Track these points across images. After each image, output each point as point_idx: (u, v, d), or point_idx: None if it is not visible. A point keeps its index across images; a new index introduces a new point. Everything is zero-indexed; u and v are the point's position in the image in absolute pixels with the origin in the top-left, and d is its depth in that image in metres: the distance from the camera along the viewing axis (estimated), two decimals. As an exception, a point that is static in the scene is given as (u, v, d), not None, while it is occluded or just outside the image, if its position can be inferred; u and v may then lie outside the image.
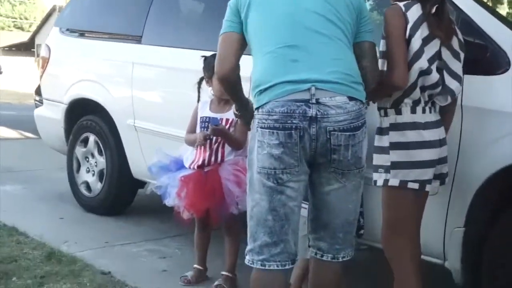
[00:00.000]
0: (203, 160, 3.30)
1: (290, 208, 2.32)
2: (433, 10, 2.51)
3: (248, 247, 2.40)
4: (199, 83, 3.47)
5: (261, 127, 2.28)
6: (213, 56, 3.24)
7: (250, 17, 2.44)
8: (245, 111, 2.70)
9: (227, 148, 3.29)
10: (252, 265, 2.38)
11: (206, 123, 3.34)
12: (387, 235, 2.59)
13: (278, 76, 2.29)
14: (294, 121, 2.23)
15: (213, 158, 3.30)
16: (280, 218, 2.31)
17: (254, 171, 2.33)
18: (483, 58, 2.64)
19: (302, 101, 2.23)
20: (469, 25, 2.68)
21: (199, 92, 3.49)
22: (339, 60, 2.35)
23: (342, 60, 2.36)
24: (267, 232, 2.32)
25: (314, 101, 2.23)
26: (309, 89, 2.24)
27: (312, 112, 2.23)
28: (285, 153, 2.25)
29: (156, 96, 4.29)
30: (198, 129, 3.38)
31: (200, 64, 3.39)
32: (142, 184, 4.59)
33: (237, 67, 2.50)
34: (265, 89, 2.30)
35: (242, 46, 2.51)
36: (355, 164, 2.34)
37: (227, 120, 3.30)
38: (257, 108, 2.32)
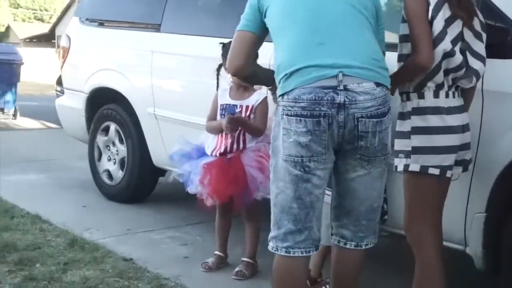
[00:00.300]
0: (225, 147, 3.31)
1: (316, 196, 2.31)
2: None
3: (272, 234, 2.40)
4: (218, 70, 3.47)
5: (287, 115, 2.26)
6: (230, 43, 3.26)
7: (272, 6, 2.44)
8: (275, 85, 2.58)
9: (249, 135, 3.29)
10: (276, 252, 2.38)
11: (226, 110, 3.34)
12: (409, 221, 2.58)
13: (304, 60, 2.28)
14: (323, 108, 2.21)
15: (235, 145, 3.30)
16: (305, 206, 2.30)
17: (280, 159, 2.32)
18: (503, 42, 2.60)
19: (329, 88, 2.21)
20: (489, 8, 2.64)
21: (218, 79, 3.49)
22: (365, 45, 2.34)
23: (368, 45, 2.35)
24: (292, 219, 2.32)
25: (342, 87, 2.22)
26: (336, 76, 2.23)
27: (340, 98, 2.21)
28: (313, 141, 2.23)
29: (176, 84, 4.30)
30: (218, 117, 3.39)
31: (219, 51, 3.39)
32: (163, 172, 4.61)
33: (247, 64, 2.53)
34: (291, 74, 2.28)
35: (256, 45, 2.54)
36: (381, 151, 2.33)
37: (247, 107, 3.30)
38: (282, 95, 2.30)
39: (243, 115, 3.29)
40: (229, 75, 3.37)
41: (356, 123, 2.24)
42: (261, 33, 2.51)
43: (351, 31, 2.35)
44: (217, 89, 3.48)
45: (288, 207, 2.32)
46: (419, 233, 2.54)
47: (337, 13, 2.36)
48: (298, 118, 2.23)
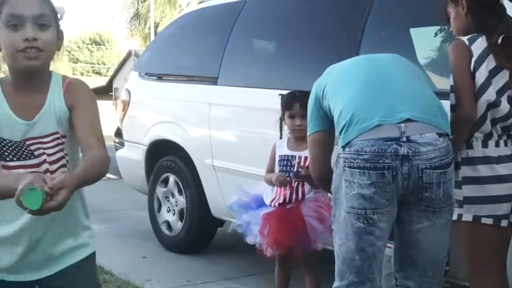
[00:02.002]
0: (284, 198, 3.32)
1: (378, 247, 2.30)
2: (499, 41, 2.47)
3: (335, 285, 2.39)
4: (281, 120, 3.52)
5: (350, 167, 2.27)
6: (289, 94, 3.34)
7: (331, 79, 2.52)
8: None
9: (307, 186, 3.30)
10: None
11: (285, 162, 3.37)
12: (471, 272, 2.53)
13: (364, 107, 2.31)
14: (386, 161, 2.22)
15: (294, 196, 3.31)
16: (368, 258, 2.30)
17: (342, 210, 2.32)
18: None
19: (392, 140, 2.23)
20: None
21: (281, 129, 3.54)
22: (424, 96, 2.37)
23: (427, 96, 2.37)
24: (354, 271, 2.31)
25: (404, 139, 2.23)
26: (398, 126, 2.24)
27: (403, 150, 2.22)
28: (377, 193, 2.24)
29: (233, 135, 4.37)
30: (276, 168, 3.41)
31: (276, 102, 3.44)
32: (221, 222, 4.64)
33: (328, 169, 2.62)
34: (350, 122, 2.31)
35: (329, 142, 2.64)
36: (446, 202, 2.31)
37: (305, 157, 3.32)
38: (343, 147, 2.33)
39: (301, 165, 3.31)
40: (286, 129, 3.42)
41: (420, 175, 2.24)
42: (330, 127, 2.57)
43: (409, 83, 2.39)
44: (280, 138, 3.52)
45: (350, 259, 2.31)
46: (483, 284, 2.48)
47: (395, 70, 2.43)
48: (362, 170, 2.24)
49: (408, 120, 2.26)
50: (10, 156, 1.79)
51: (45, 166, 1.79)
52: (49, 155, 1.79)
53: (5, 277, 1.87)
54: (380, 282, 2.37)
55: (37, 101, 1.78)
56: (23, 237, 1.83)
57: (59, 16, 1.81)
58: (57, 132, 1.80)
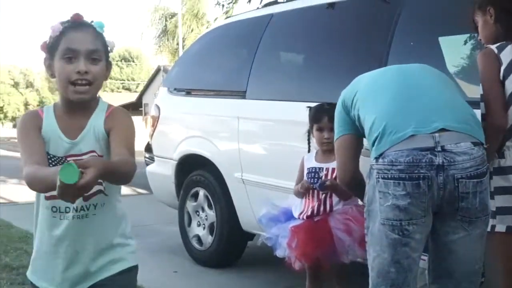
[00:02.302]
0: (312, 210, 3.31)
1: (413, 259, 2.28)
2: None
3: None
4: (309, 132, 3.52)
5: (384, 178, 2.25)
6: (317, 106, 3.33)
7: (361, 88, 2.50)
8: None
9: (335, 198, 3.28)
10: None
11: (313, 174, 3.36)
12: (505, 284, 2.48)
13: (397, 117, 2.30)
14: (422, 171, 2.19)
15: (321, 208, 3.29)
16: (404, 270, 2.27)
17: (377, 222, 2.30)
18: None
19: (427, 149, 2.21)
20: None
21: (309, 142, 3.53)
22: (456, 105, 2.34)
23: (460, 105, 2.35)
24: (389, 284, 2.29)
25: (439, 148, 2.20)
26: (433, 136, 2.22)
27: (439, 160, 2.20)
28: (412, 204, 2.21)
29: (262, 149, 4.36)
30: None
31: (304, 115, 3.44)
32: (251, 236, 4.64)
33: (356, 172, 2.62)
34: (383, 133, 2.29)
35: (358, 146, 2.62)
36: (482, 211, 2.28)
37: (333, 169, 3.30)
38: (376, 158, 2.31)
39: (329, 177, 3.30)
40: (314, 141, 3.41)
41: (456, 184, 2.21)
42: (358, 131, 2.57)
43: (442, 93, 2.37)
44: (308, 151, 3.51)
45: (385, 271, 2.29)
46: None
47: (426, 79, 2.41)
48: (396, 181, 2.22)
49: (442, 130, 2.24)
50: None
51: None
52: None
53: (44, 285, 1.99)
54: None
55: (81, 123, 1.95)
56: (62, 249, 1.95)
57: (109, 49, 1.97)
58: (94, 151, 1.93)
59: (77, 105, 1.94)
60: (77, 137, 1.94)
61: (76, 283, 1.98)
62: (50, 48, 1.93)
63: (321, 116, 3.29)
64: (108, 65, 1.99)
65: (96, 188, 1.89)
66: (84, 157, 1.90)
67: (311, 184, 3.30)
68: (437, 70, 2.59)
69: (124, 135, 1.93)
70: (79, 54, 1.87)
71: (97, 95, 2.04)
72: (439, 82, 2.47)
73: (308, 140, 3.52)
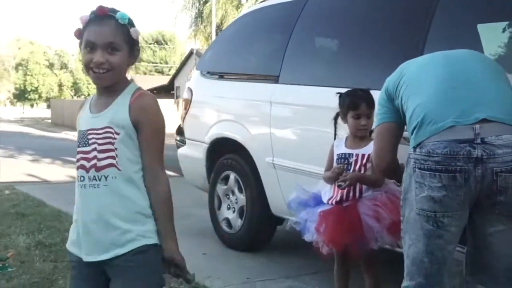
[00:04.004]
0: (341, 196, 3.29)
1: (448, 252, 2.25)
2: None
3: (404, 284, 2.37)
4: (335, 119, 3.49)
5: (420, 168, 2.23)
6: (346, 94, 3.30)
7: (407, 74, 2.47)
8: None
9: (365, 184, 3.26)
10: None
11: (342, 160, 3.34)
12: None
13: (438, 106, 2.26)
14: (458, 163, 2.16)
15: (351, 194, 3.27)
16: (437, 261, 2.25)
17: (412, 211, 2.28)
18: None
19: (466, 142, 2.16)
20: None
21: (335, 128, 3.50)
22: (503, 95, 2.28)
23: (506, 95, 2.29)
24: (423, 273, 2.27)
25: (479, 141, 2.16)
26: (473, 128, 2.17)
27: (477, 153, 2.15)
28: (447, 196, 2.18)
29: (294, 134, 4.35)
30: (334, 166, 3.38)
31: (336, 100, 3.41)
32: (281, 220, 4.64)
33: (393, 159, 2.59)
34: (423, 121, 2.26)
35: (398, 134, 2.58)
36: None
37: (363, 155, 3.28)
38: (414, 147, 2.28)
39: (358, 163, 3.27)
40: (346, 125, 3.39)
41: (495, 178, 2.16)
42: (400, 120, 2.53)
43: (487, 82, 2.31)
44: (334, 138, 3.49)
45: (419, 261, 2.27)
46: None
47: (473, 67, 2.35)
48: (433, 172, 2.19)
49: (484, 121, 2.18)
50: (78, 143, 2.12)
51: (94, 153, 2.06)
52: (99, 144, 2.06)
53: (74, 251, 2.14)
54: (448, 284, 2.31)
55: (107, 101, 2.11)
56: (79, 216, 2.11)
57: (134, 37, 2.11)
58: (110, 127, 2.06)
59: (103, 88, 2.12)
60: (99, 113, 2.10)
61: (91, 251, 2.07)
62: (79, 37, 2.11)
63: (359, 103, 3.25)
64: (134, 52, 2.13)
65: (107, 160, 2.04)
66: (100, 131, 2.06)
67: (344, 170, 3.28)
68: (486, 57, 2.53)
69: (156, 141, 2.10)
70: (97, 46, 2.04)
71: (128, 78, 2.19)
72: (486, 70, 2.40)
73: (335, 126, 3.49)
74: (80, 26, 2.10)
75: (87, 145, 2.08)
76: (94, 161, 2.05)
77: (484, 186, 2.18)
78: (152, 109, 2.10)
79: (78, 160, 2.11)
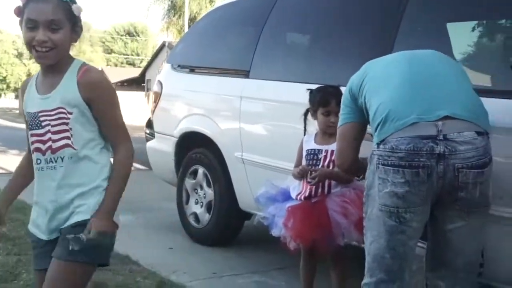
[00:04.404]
0: (310, 192, 3.29)
1: (410, 247, 2.27)
2: None
3: (364, 281, 2.38)
4: (305, 115, 3.50)
5: (384, 164, 2.24)
6: (317, 90, 3.31)
7: (370, 73, 2.47)
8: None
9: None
10: None
11: (312, 155, 3.35)
12: None
13: (401, 104, 2.28)
14: (422, 159, 2.18)
15: (320, 190, 3.28)
16: (399, 257, 2.27)
17: (375, 208, 2.30)
18: None
19: (428, 138, 2.19)
20: None
21: (305, 124, 3.51)
22: (464, 93, 2.32)
23: (467, 93, 2.32)
24: (384, 269, 2.29)
25: (441, 137, 2.18)
26: (435, 124, 2.20)
27: (440, 149, 2.18)
28: (410, 192, 2.20)
29: (264, 129, 4.35)
30: (303, 162, 3.39)
31: (307, 97, 3.41)
32: (249, 215, 4.63)
33: (355, 159, 2.61)
34: (386, 118, 2.28)
35: (360, 135, 2.60)
36: (482, 202, 2.26)
37: (332, 151, 3.28)
38: (378, 144, 2.30)
39: (327, 159, 3.28)
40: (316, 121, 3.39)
41: (456, 174, 2.20)
42: (363, 120, 2.55)
43: (450, 80, 2.35)
44: (304, 134, 3.50)
45: (380, 257, 2.29)
46: None
47: (436, 66, 2.38)
48: (396, 168, 2.21)
49: (446, 118, 2.21)
50: (30, 125, 2.13)
51: (48, 135, 2.09)
52: (52, 126, 2.08)
53: (35, 232, 2.21)
54: (410, 280, 2.34)
55: (53, 81, 2.10)
56: (38, 199, 2.18)
57: (75, 14, 2.09)
58: (63, 107, 2.07)
59: (47, 66, 2.11)
60: (48, 94, 2.10)
61: (49, 231, 2.14)
62: (19, 15, 2.09)
63: (329, 100, 3.25)
64: (76, 29, 2.11)
65: (63, 141, 2.07)
66: (52, 113, 2.07)
67: (311, 167, 3.28)
68: (447, 57, 2.56)
69: (109, 114, 2.12)
70: (38, 24, 2.02)
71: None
72: (448, 69, 2.44)
73: (305, 122, 3.49)
74: (20, 3, 2.07)
75: (40, 127, 2.10)
76: (49, 143, 2.08)
77: (446, 182, 2.21)
78: (101, 83, 2.11)
79: (32, 143, 2.13)
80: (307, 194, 3.31)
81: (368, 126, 2.55)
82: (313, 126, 3.45)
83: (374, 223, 2.31)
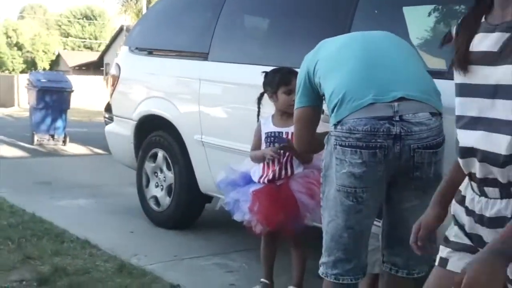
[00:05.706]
0: (273, 174, 3.30)
1: (366, 225, 2.32)
2: None
3: (322, 260, 2.41)
4: (259, 99, 3.49)
5: (341, 145, 2.27)
6: (273, 71, 3.30)
7: (322, 57, 2.49)
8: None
9: (295, 161, 3.28)
10: (325, 278, 2.41)
11: (272, 138, 3.35)
12: None
13: (357, 85, 2.31)
14: (379, 140, 2.21)
15: (283, 172, 3.29)
16: (356, 235, 2.31)
17: (332, 188, 2.33)
18: None
19: (385, 119, 2.22)
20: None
21: (259, 108, 3.49)
22: (418, 75, 2.36)
23: (421, 75, 2.37)
24: (341, 248, 2.33)
25: (397, 118, 2.22)
26: (391, 105, 2.23)
27: (396, 130, 2.22)
28: (367, 172, 2.24)
29: (223, 111, 4.35)
30: (263, 145, 3.39)
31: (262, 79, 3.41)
32: (209, 198, 4.64)
33: (312, 140, 2.64)
34: (343, 100, 2.30)
35: (317, 118, 2.63)
36: (436, 181, 2.30)
37: (292, 133, 3.31)
38: (335, 125, 2.32)
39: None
40: (273, 103, 3.39)
41: (412, 154, 2.24)
42: (318, 102, 2.58)
43: (404, 62, 2.39)
44: (257, 118, 3.49)
45: (338, 236, 2.33)
46: None
47: (389, 48, 2.41)
48: (353, 149, 2.24)
49: (401, 99, 2.25)
50: None
51: None
52: None
53: None
54: (366, 258, 2.39)
55: None
56: None
57: None
58: None
59: None
60: None
61: None
62: None
63: (291, 78, 3.22)
64: None
65: None
66: None
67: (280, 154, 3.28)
68: (400, 39, 2.60)
69: None
70: None
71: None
72: (402, 50, 2.48)
73: (258, 105, 3.49)
74: None
75: None
76: None
77: (402, 162, 2.25)
78: None
79: None
80: (270, 177, 3.30)
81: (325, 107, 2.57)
82: (268, 109, 3.45)
83: (331, 203, 2.35)
